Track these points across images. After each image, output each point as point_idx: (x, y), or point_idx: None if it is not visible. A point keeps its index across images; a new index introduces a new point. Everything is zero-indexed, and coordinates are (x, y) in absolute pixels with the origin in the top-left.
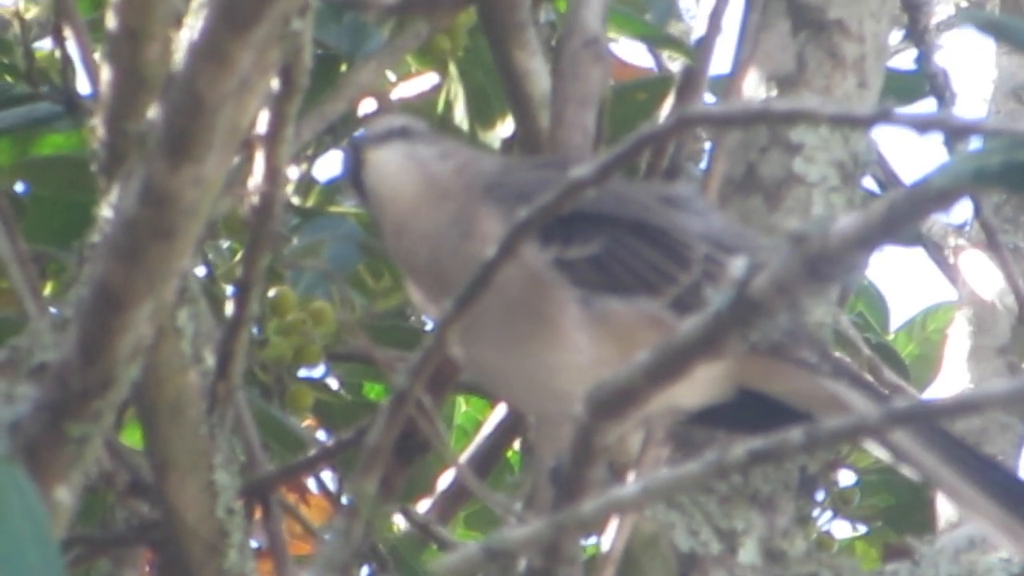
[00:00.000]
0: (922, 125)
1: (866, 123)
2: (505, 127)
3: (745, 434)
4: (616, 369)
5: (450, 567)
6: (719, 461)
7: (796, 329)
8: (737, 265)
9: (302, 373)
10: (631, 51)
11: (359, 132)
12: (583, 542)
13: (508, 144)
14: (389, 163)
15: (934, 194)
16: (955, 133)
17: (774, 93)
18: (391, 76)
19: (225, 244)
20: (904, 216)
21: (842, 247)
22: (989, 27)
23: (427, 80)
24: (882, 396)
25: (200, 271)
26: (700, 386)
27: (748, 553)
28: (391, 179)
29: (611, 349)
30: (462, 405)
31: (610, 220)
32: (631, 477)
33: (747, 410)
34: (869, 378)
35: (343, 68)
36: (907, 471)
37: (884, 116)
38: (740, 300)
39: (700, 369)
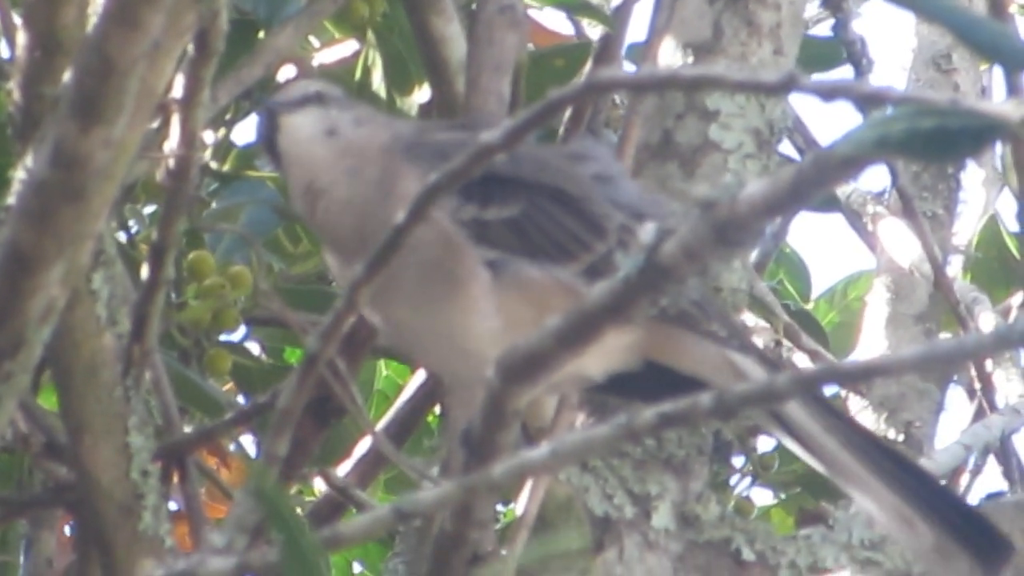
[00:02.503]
0: (829, 92)
1: (773, 89)
2: (422, 93)
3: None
4: (527, 334)
5: (361, 528)
6: (629, 424)
7: (703, 301)
8: (646, 231)
9: (223, 338)
10: (552, 18)
11: (274, 97)
12: (500, 507)
13: (426, 110)
14: (302, 128)
15: (839, 161)
16: (861, 100)
17: (690, 60)
18: (314, 42)
19: (146, 209)
20: (811, 183)
21: (750, 213)
22: None
23: (347, 47)
24: (779, 366)
25: (120, 235)
26: (608, 354)
27: (662, 517)
28: (304, 144)
29: (522, 314)
30: (382, 369)
31: (529, 185)
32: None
33: (655, 382)
34: (787, 344)
35: (261, 34)
36: (807, 459)
37: (791, 82)
38: (649, 266)
39: (610, 336)
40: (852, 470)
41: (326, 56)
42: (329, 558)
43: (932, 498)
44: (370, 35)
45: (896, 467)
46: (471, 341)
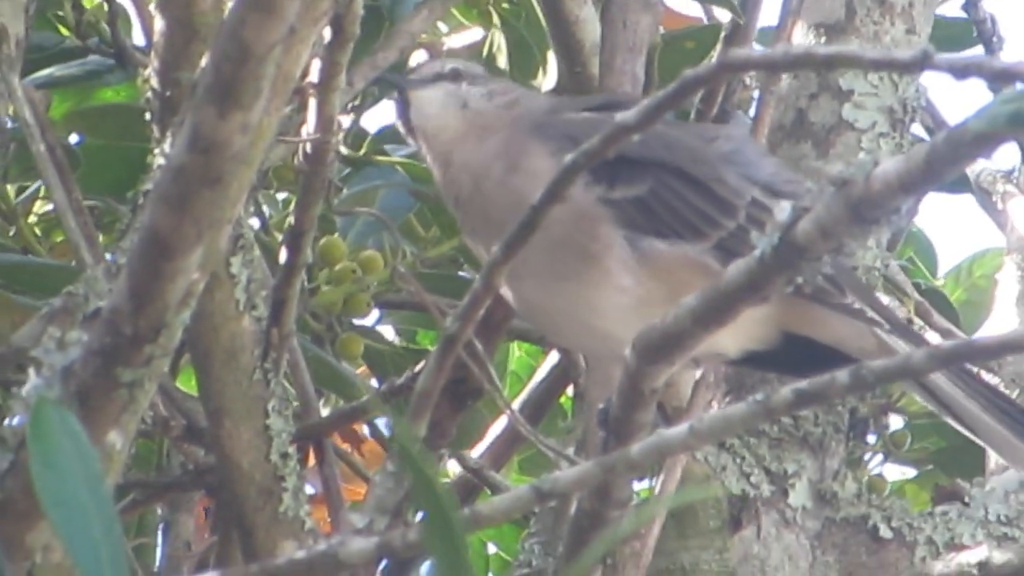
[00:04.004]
0: (962, 69)
1: (907, 67)
2: (547, 78)
3: (796, 378)
4: (663, 313)
5: (501, 508)
6: (765, 402)
7: (840, 275)
8: (781, 209)
9: (355, 322)
10: (682, 1)
11: (408, 75)
12: (636, 486)
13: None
14: (432, 101)
15: (972, 138)
16: (994, 77)
17: (823, 41)
18: (443, 28)
19: (280, 196)
20: (945, 160)
21: (885, 191)
22: None
23: (474, 33)
24: (925, 343)
25: (254, 222)
26: (744, 331)
27: (799, 495)
28: (433, 116)
29: (655, 290)
30: (515, 351)
31: (656, 164)
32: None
33: (796, 356)
34: (919, 322)
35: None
36: (951, 421)
37: (925, 59)
38: (785, 244)
39: (745, 313)
40: (994, 430)
41: (454, 42)
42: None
43: None
44: (496, 21)
45: None
46: (603, 317)
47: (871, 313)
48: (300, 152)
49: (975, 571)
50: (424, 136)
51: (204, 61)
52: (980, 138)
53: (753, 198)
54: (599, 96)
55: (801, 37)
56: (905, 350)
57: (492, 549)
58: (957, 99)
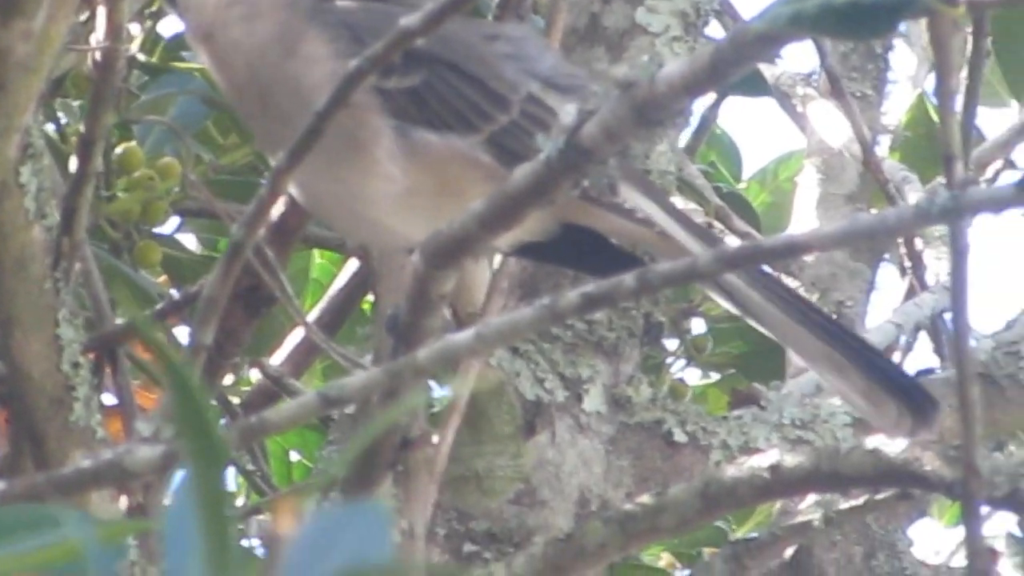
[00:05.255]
0: None
1: None
2: None
3: (590, 274)
4: (449, 218)
5: (288, 415)
6: (552, 306)
7: (619, 174)
8: (567, 112)
9: (155, 231)
10: None
11: None
12: (432, 394)
13: None
14: None
15: (755, 38)
16: None
17: None
18: None
19: (77, 103)
20: (729, 62)
21: (669, 93)
22: None
23: None
24: (714, 237)
25: (50, 129)
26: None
27: (593, 400)
28: None
29: (423, 181)
30: (317, 258)
31: (431, 57)
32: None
33: (579, 247)
34: (718, 226)
35: None
36: (751, 321)
37: None
38: (570, 147)
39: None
40: (793, 331)
41: None
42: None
43: (865, 353)
44: None
45: (832, 327)
46: (374, 207)
47: (647, 210)
48: (90, 61)
49: (766, 474)
50: (187, 6)
51: None
52: (763, 38)
53: (529, 93)
54: None
55: None
56: (691, 244)
57: (296, 457)
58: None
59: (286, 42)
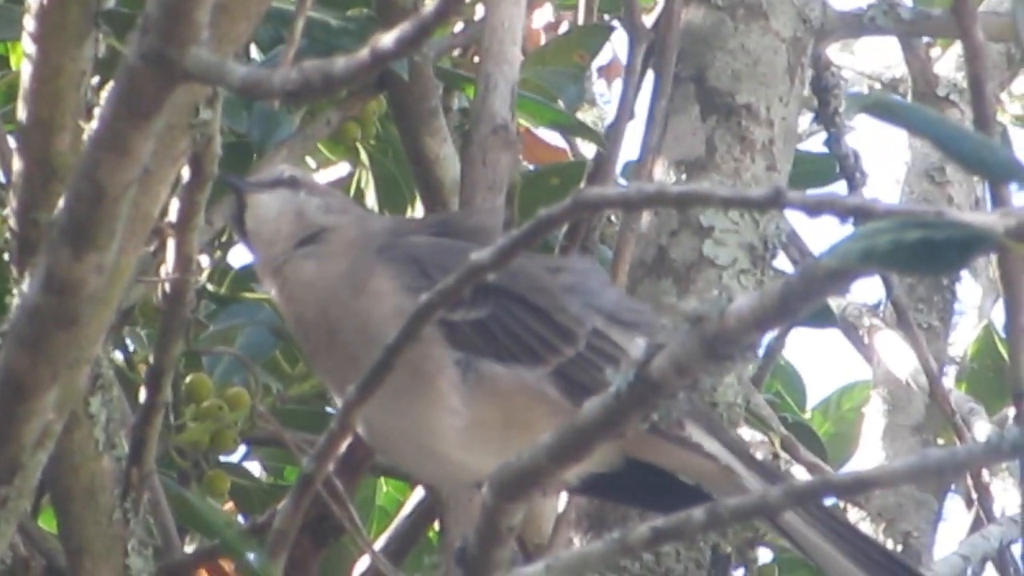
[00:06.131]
0: (814, 207)
1: (760, 204)
2: (416, 214)
3: (654, 510)
4: (517, 451)
5: None
6: (622, 539)
7: (685, 408)
8: (636, 346)
9: (222, 459)
10: (548, 133)
11: (246, 178)
12: None
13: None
14: (269, 207)
15: (826, 274)
16: (847, 214)
17: (683, 177)
18: (311, 163)
19: (144, 332)
20: (799, 296)
21: (739, 327)
22: (881, 110)
23: (342, 168)
24: (774, 473)
25: (118, 357)
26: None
27: None
28: (269, 221)
29: (489, 413)
30: (383, 486)
31: (498, 290)
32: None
33: (642, 481)
34: (785, 457)
35: (255, 156)
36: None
37: (776, 197)
38: (640, 380)
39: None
40: (847, 570)
41: (321, 178)
42: None
43: None
44: (363, 156)
45: (891, 564)
46: (438, 439)
47: (710, 447)
48: (160, 292)
49: None
50: (256, 241)
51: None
52: (833, 274)
53: (594, 327)
54: (433, 216)
55: (662, 173)
56: (752, 481)
57: None
58: (823, 232)
59: (355, 279)
